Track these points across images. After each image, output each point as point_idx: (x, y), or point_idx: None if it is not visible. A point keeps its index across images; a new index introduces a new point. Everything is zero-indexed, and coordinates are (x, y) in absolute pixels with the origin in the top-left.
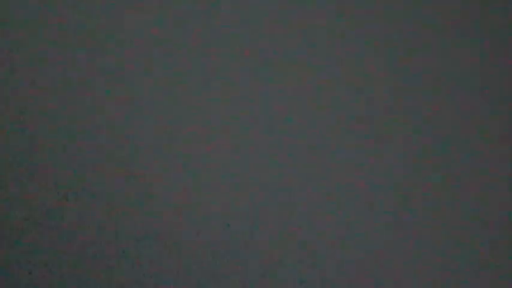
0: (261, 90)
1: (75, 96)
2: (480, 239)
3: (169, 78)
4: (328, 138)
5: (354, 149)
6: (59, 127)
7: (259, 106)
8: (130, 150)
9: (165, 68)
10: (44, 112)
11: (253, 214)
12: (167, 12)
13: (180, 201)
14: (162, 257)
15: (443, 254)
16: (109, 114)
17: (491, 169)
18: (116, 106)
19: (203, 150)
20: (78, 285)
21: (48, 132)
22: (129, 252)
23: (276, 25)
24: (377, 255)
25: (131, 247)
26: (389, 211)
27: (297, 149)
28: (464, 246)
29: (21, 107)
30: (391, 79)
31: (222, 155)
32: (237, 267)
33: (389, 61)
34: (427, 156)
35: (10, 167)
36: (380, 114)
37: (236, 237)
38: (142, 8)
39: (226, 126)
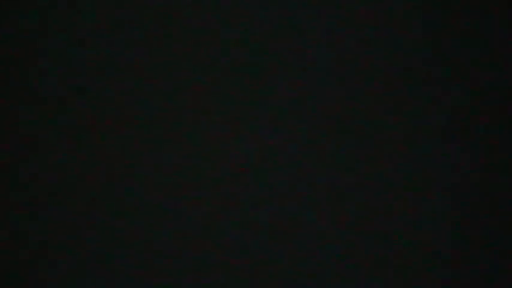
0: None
1: (76, 100)
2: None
3: (167, 81)
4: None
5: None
6: (60, 129)
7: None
8: (130, 152)
9: (163, 70)
10: (44, 113)
11: (253, 218)
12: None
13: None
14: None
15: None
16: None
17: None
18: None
19: (202, 153)
20: (77, 284)
21: (48, 133)
22: (128, 254)
23: (272, 29)
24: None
25: (130, 248)
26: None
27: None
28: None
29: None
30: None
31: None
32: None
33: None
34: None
35: (10, 167)
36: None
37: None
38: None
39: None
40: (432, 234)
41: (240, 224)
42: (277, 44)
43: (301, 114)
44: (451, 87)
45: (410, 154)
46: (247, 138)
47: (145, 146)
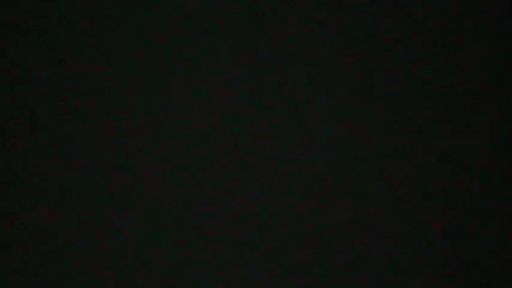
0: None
1: (76, 99)
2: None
3: (164, 81)
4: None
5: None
6: (60, 128)
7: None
8: (129, 151)
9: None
10: (43, 113)
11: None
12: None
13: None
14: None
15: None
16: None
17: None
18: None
19: (200, 152)
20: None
21: (47, 132)
22: (128, 252)
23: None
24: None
25: (130, 246)
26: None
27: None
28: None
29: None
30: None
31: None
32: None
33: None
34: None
35: (11, 166)
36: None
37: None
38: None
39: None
40: (432, 235)
41: (240, 223)
42: (277, 43)
43: (299, 114)
44: (451, 86)
45: (409, 153)
46: (245, 137)
47: (143, 145)
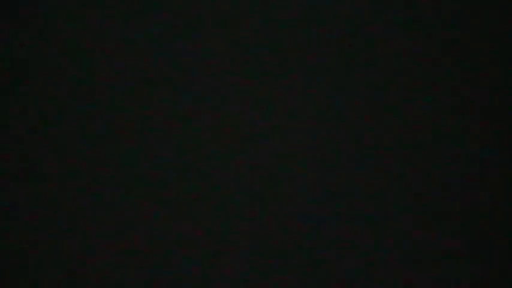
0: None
1: (77, 101)
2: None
3: (167, 83)
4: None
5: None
6: (64, 131)
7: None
8: (134, 154)
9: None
10: (45, 115)
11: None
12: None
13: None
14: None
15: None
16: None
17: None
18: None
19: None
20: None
21: (52, 134)
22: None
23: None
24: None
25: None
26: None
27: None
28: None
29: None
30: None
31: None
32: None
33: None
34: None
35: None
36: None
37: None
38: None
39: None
40: (433, 235)
41: (242, 223)
42: (279, 42)
43: (300, 114)
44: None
45: (410, 153)
46: (248, 138)
47: (144, 144)
